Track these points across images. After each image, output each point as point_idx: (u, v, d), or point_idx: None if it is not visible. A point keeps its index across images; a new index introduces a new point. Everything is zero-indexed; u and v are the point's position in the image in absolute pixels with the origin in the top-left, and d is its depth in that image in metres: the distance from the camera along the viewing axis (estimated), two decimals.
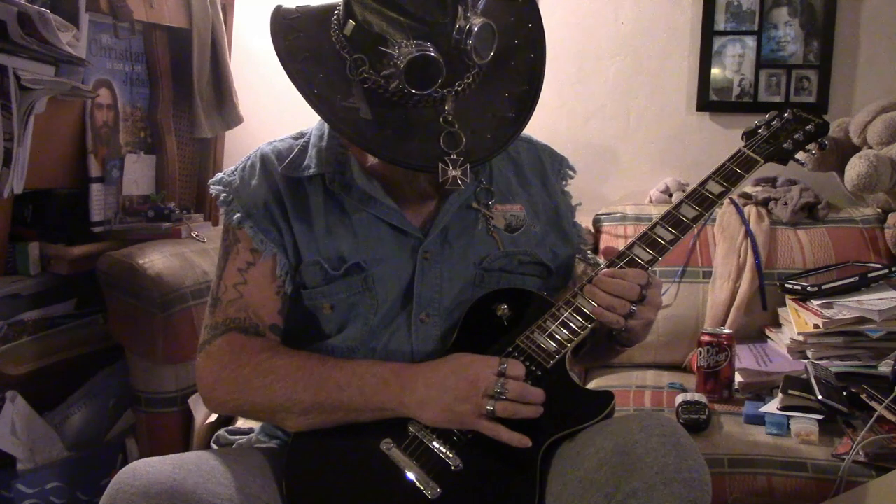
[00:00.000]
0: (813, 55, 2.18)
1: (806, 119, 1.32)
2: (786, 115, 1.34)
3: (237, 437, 1.27)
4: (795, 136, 1.29)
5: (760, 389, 1.62)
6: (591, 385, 1.78)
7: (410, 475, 1.02)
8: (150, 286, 1.63)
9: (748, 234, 1.91)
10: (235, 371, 1.09)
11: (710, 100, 2.24)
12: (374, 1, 1.01)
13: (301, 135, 1.24)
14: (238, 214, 1.16)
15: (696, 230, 1.36)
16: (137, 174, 1.89)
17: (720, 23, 2.21)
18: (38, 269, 1.67)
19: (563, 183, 1.31)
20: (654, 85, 2.28)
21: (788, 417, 1.47)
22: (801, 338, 1.68)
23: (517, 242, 1.20)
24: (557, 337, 1.09)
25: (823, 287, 1.72)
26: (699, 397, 1.54)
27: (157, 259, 1.68)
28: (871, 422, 1.39)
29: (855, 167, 1.87)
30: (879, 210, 2.00)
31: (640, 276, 1.10)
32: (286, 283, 1.15)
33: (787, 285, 1.81)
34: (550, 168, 1.30)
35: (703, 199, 1.20)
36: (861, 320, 1.64)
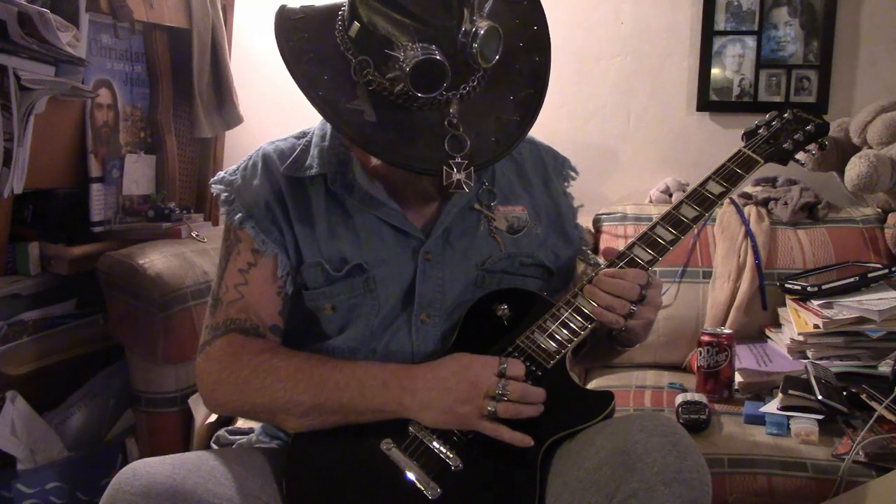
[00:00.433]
0: (813, 55, 2.18)
1: (806, 119, 1.32)
2: (786, 115, 1.34)
3: (237, 437, 1.27)
4: (795, 137, 1.29)
5: (760, 389, 1.62)
6: (591, 385, 1.78)
7: (410, 475, 1.02)
8: (150, 286, 1.63)
9: (748, 234, 1.91)
10: (235, 372, 1.09)
11: (710, 100, 2.24)
12: (379, 3, 1.01)
13: (303, 134, 1.23)
14: (240, 214, 1.15)
15: (696, 230, 1.36)
16: (137, 174, 1.89)
17: (720, 23, 2.21)
18: (38, 269, 1.67)
19: (566, 184, 1.31)
20: (654, 85, 2.28)
21: (788, 417, 1.47)
22: (801, 338, 1.68)
23: (519, 244, 1.20)
24: (557, 337, 1.09)
25: (823, 287, 1.72)
26: (699, 397, 1.54)
27: (157, 259, 1.68)
28: (871, 422, 1.39)
29: (855, 167, 1.87)
30: (879, 210, 2.00)
31: (639, 276, 1.10)
32: (287, 284, 1.15)
33: (787, 285, 1.81)
34: (552, 169, 1.30)
35: (703, 200, 1.20)
36: (861, 320, 1.64)
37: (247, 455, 1.12)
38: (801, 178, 2.06)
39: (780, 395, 1.52)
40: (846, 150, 1.99)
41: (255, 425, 1.28)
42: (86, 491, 1.69)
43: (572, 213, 1.31)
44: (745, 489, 1.35)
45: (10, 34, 1.35)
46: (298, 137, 1.23)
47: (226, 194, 1.18)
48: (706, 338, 1.63)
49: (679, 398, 1.54)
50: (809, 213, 1.98)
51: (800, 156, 1.31)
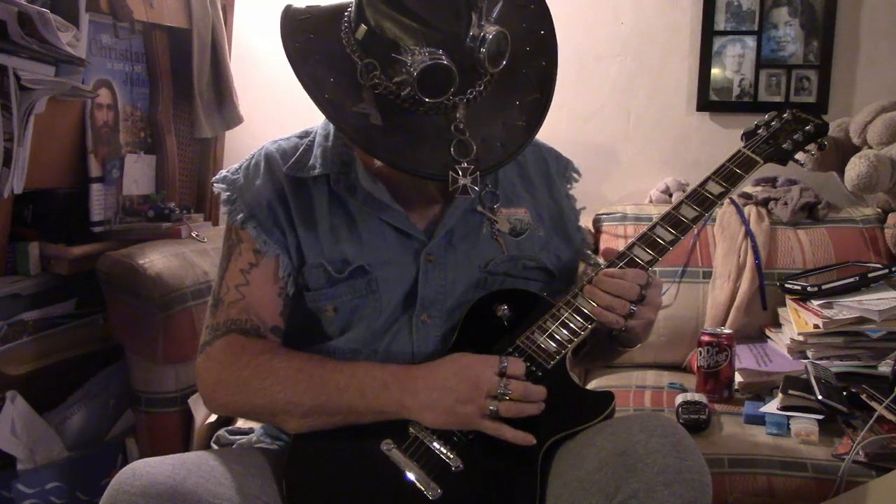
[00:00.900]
0: (813, 55, 2.18)
1: (805, 119, 1.32)
2: (785, 115, 1.34)
3: (237, 437, 1.27)
4: (795, 137, 1.30)
5: (760, 389, 1.62)
6: (591, 385, 1.78)
7: (411, 476, 1.02)
8: (150, 286, 1.63)
9: (748, 234, 1.91)
10: (236, 373, 1.09)
11: (710, 100, 2.24)
12: (387, 6, 1.00)
13: (306, 133, 1.23)
14: (241, 214, 1.15)
15: (695, 230, 1.36)
16: (137, 174, 1.89)
17: (720, 23, 2.21)
18: (38, 269, 1.67)
19: (568, 186, 1.31)
20: (655, 85, 2.28)
21: (788, 417, 1.47)
22: (801, 338, 1.68)
23: (521, 247, 1.20)
24: (557, 337, 1.09)
25: (823, 287, 1.72)
26: (699, 397, 1.54)
27: (157, 259, 1.68)
28: (871, 422, 1.39)
29: (855, 167, 1.87)
30: (879, 210, 2.00)
31: (639, 276, 1.10)
32: (288, 285, 1.15)
33: (787, 285, 1.81)
34: (555, 171, 1.30)
35: (702, 200, 1.20)
36: (861, 320, 1.64)
37: (247, 455, 1.12)
38: (801, 178, 2.06)
39: (780, 395, 1.52)
40: (846, 150, 1.99)
41: (256, 425, 1.28)
42: (86, 491, 1.69)
43: (575, 216, 1.31)
44: (745, 489, 1.35)
45: (10, 34, 1.35)
46: (301, 137, 1.22)
47: (228, 193, 1.18)
48: (706, 338, 1.63)
49: (679, 398, 1.54)
50: (809, 213, 1.98)
51: (799, 156, 1.32)
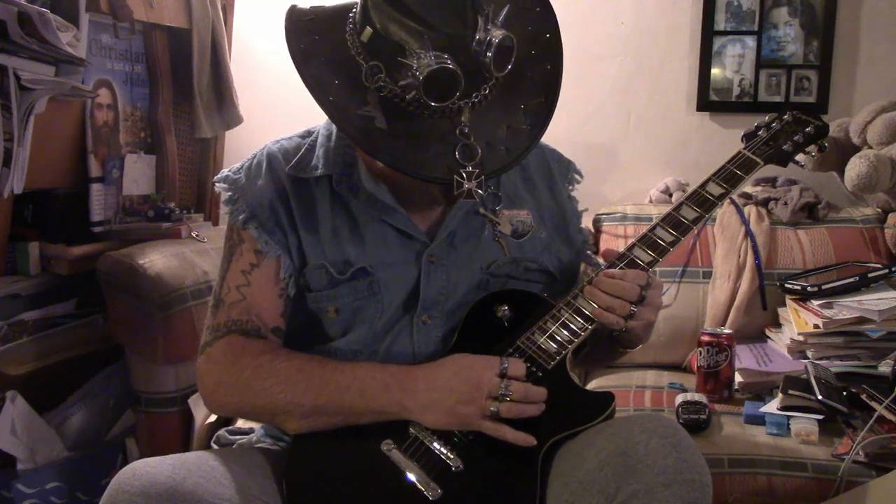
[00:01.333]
0: (813, 55, 2.18)
1: (805, 121, 1.32)
2: (785, 117, 1.34)
3: (237, 437, 1.27)
4: (795, 139, 1.29)
5: (760, 389, 1.62)
6: (591, 385, 1.78)
7: (411, 476, 1.02)
8: (150, 286, 1.63)
9: (748, 234, 1.91)
10: (236, 374, 1.09)
11: (710, 100, 2.24)
12: (393, 9, 1.00)
13: (308, 133, 1.22)
14: (243, 214, 1.15)
15: (696, 231, 1.36)
16: (137, 174, 1.89)
17: (720, 23, 2.21)
18: (38, 269, 1.67)
19: (570, 188, 1.31)
20: (654, 85, 2.28)
21: (788, 417, 1.47)
22: (801, 338, 1.68)
23: (523, 249, 1.20)
24: (558, 338, 1.09)
25: (823, 287, 1.72)
26: (699, 397, 1.54)
27: (157, 259, 1.68)
28: (871, 422, 1.39)
29: (855, 167, 1.87)
30: (879, 210, 2.00)
31: (640, 277, 1.10)
32: (289, 286, 1.14)
33: (787, 285, 1.81)
34: (558, 173, 1.30)
35: (703, 201, 1.20)
36: (861, 320, 1.64)
37: (247, 455, 1.12)
38: (801, 178, 2.06)
39: (780, 395, 1.52)
40: (846, 150, 1.99)
41: (256, 426, 1.28)
42: (86, 491, 1.69)
43: (576, 218, 1.30)
44: (745, 489, 1.35)
45: (10, 34, 1.35)
46: (303, 137, 1.22)
47: (229, 193, 1.17)
48: (706, 338, 1.63)
49: (679, 398, 1.54)
50: (809, 213, 1.98)
51: (799, 157, 1.32)
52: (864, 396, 1.48)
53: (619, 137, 2.30)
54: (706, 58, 2.21)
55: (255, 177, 1.17)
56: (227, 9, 2.17)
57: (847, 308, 1.66)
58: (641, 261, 1.14)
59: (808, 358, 1.67)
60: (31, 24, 1.38)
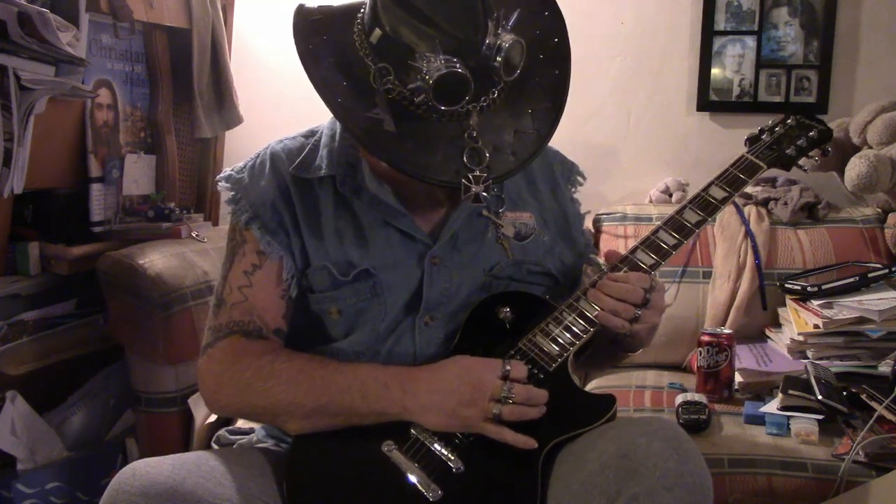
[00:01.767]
0: (813, 55, 2.18)
1: (809, 125, 1.32)
2: (789, 121, 1.34)
3: (237, 437, 1.27)
4: (799, 143, 1.30)
5: (760, 389, 1.62)
6: (590, 385, 1.78)
7: (412, 477, 1.02)
8: (150, 286, 1.63)
9: (748, 234, 1.91)
10: (237, 374, 1.09)
11: (710, 100, 2.24)
12: (404, 11, 1.00)
13: (312, 133, 1.22)
14: (246, 215, 1.14)
15: (697, 234, 1.36)
16: (137, 174, 1.89)
17: (720, 23, 2.20)
18: (38, 269, 1.67)
19: (573, 190, 1.31)
20: (654, 85, 2.27)
21: (788, 417, 1.47)
22: (801, 338, 1.68)
23: (526, 251, 1.20)
24: (560, 340, 1.09)
25: (823, 287, 1.72)
26: (699, 397, 1.54)
27: (157, 259, 1.68)
28: (871, 422, 1.39)
29: (855, 167, 1.87)
30: (879, 210, 2.00)
31: (643, 280, 1.10)
32: (292, 287, 1.14)
33: (787, 285, 1.81)
34: (560, 175, 1.29)
35: (706, 205, 1.20)
36: (861, 320, 1.64)
37: (247, 455, 1.12)
38: (801, 178, 2.05)
39: (780, 395, 1.52)
40: (846, 150, 1.99)
41: (256, 426, 1.27)
42: (86, 491, 1.69)
43: (579, 220, 1.30)
44: (745, 489, 1.35)
45: (10, 34, 1.35)
46: (307, 136, 1.21)
47: (232, 193, 1.17)
48: (706, 338, 1.63)
49: (679, 398, 1.54)
50: (809, 213, 1.98)
51: (802, 161, 1.31)
52: (864, 396, 1.48)
53: (619, 137, 2.30)
54: (706, 58, 2.21)
55: (258, 176, 1.16)
56: (227, 9, 2.17)
57: (847, 308, 1.66)
58: (644, 264, 1.14)
59: (808, 358, 1.67)
60: (31, 24, 1.38)
